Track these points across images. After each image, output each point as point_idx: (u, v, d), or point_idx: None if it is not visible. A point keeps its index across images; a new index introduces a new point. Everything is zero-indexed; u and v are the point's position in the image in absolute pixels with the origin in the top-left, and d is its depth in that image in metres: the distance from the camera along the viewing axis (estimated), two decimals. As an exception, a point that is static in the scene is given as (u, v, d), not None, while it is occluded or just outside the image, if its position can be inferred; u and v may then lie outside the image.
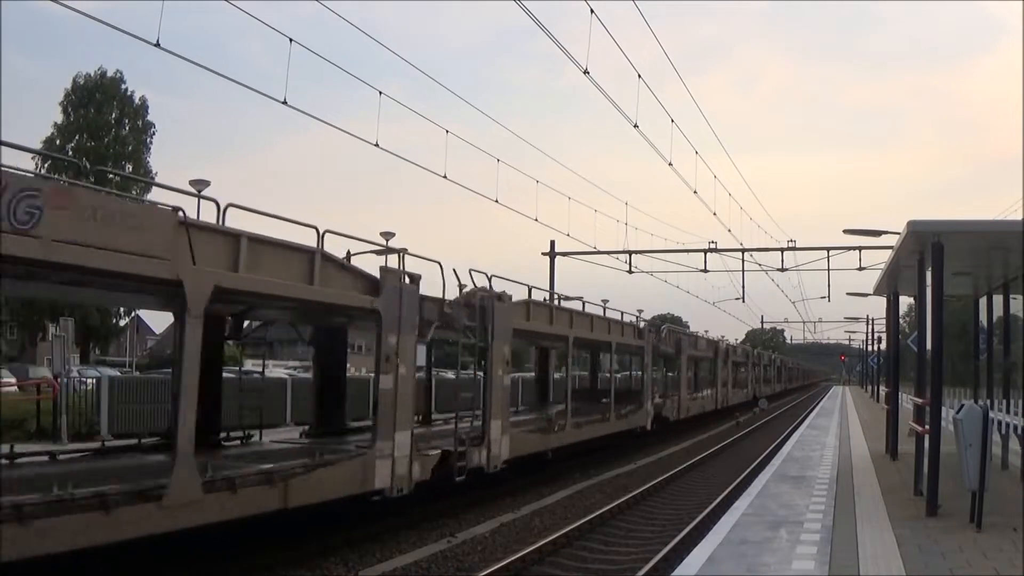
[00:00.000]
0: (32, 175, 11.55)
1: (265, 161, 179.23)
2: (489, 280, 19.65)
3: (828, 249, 39.16)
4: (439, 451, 16.82)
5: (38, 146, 50.97)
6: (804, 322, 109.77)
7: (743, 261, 41.53)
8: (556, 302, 27.00)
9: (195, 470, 11.04)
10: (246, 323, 16.38)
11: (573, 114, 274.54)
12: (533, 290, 23.69)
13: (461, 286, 18.58)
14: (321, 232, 13.91)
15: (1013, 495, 11.79)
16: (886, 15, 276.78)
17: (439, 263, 17.56)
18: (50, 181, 12.33)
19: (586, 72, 18.90)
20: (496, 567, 12.74)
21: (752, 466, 24.66)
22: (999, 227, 12.74)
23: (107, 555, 10.01)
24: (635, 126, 22.89)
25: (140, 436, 16.22)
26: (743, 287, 44.36)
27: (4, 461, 12.45)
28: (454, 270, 18.42)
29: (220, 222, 12.30)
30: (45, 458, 13.33)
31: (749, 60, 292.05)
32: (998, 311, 16.53)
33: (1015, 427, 15.06)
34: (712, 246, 40.31)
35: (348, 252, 15.68)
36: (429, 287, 16.98)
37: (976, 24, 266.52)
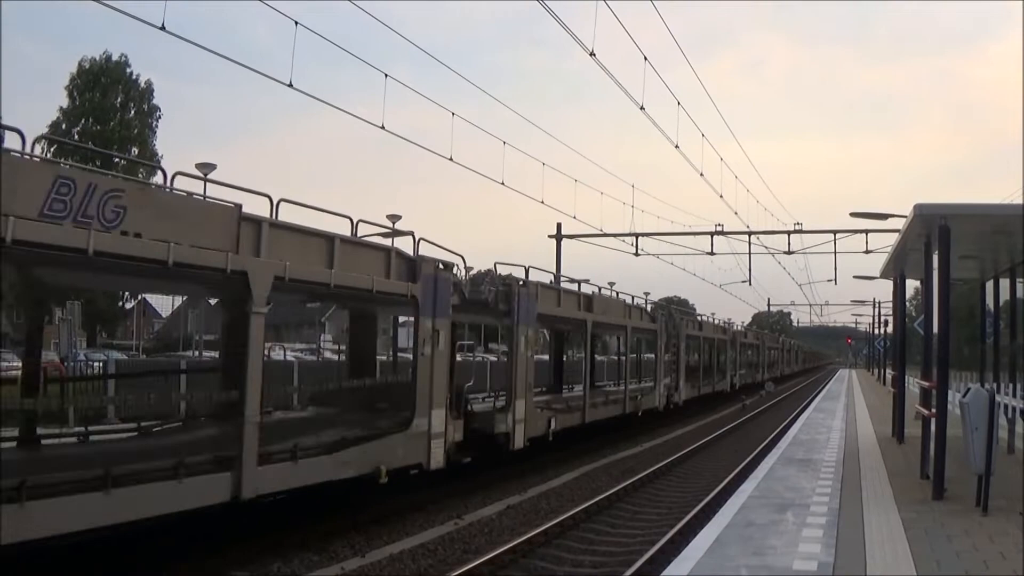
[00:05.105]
0: (115, 176, 12.46)
1: (271, 144, 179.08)
2: (526, 271, 20.98)
3: (835, 232, 39.09)
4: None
5: (44, 130, 51.14)
6: (811, 305, 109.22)
7: (750, 244, 41.49)
8: (577, 287, 27.45)
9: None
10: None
11: (580, 97, 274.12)
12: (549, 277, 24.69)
13: (490, 271, 19.60)
14: (355, 221, 14.76)
15: (1020, 479, 11.79)
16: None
17: (462, 256, 18.19)
18: (131, 182, 13.03)
19: (592, 55, 18.85)
20: (503, 549, 12.81)
21: (758, 449, 24.66)
22: (1006, 211, 12.68)
23: (115, 539, 10.09)
24: (641, 108, 22.85)
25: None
26: (750, 270, 44.27)
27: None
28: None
29: (274, 215, 12.79)
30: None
31: (757, 44, 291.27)
32: (1005, 295, 16.51)
33: (1021, 411, 15.08)
34: (719, 229, 40.28)
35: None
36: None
37: (986, 8, 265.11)
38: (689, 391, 38.68)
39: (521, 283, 20.45)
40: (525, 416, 20.13)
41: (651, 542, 13.73)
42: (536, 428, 20.94)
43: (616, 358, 38.78)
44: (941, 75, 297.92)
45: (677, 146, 27.49)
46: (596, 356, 34.45)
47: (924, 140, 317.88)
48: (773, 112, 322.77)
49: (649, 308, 35.58)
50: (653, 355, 35.09)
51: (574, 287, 27.35)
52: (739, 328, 60.80)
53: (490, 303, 19.07)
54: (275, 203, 12.87)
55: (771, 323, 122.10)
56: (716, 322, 52.02)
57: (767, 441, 26.44)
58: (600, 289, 29.65)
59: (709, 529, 10.03)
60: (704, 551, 8.82)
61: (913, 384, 22.76)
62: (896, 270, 17.89)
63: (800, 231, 39.85)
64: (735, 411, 44.25)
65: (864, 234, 37.37)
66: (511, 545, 13.09)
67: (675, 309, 43.72)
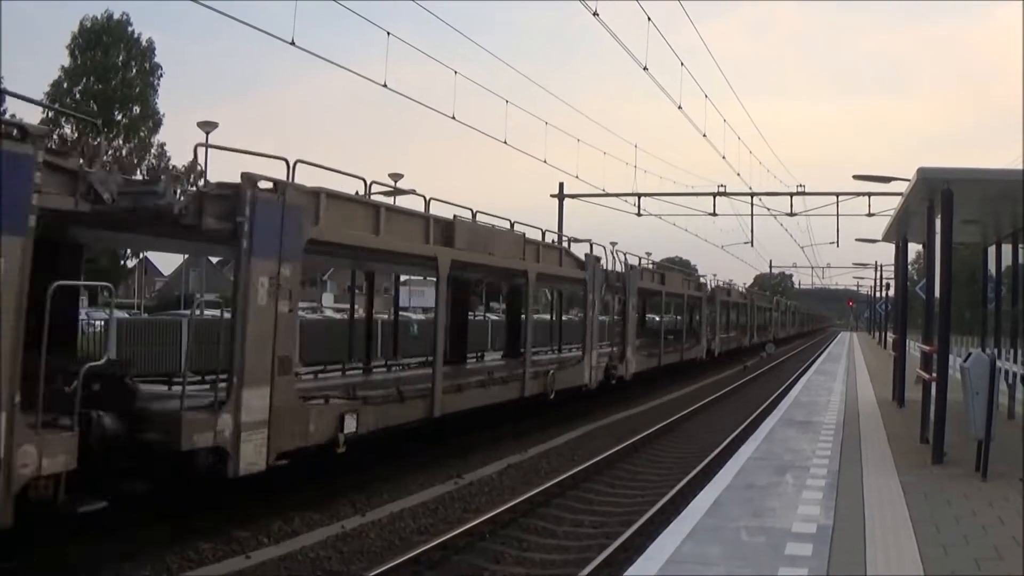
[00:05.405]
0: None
1: (273, 103, 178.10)
2: (288, 168, 12.37)
3: (837, 195, 38.83)
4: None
5: (46, 89, 51.23)
6: (812, 267, 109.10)
7: (752, 205, 41.23)
8: (424, 205, 16.83)
9: None
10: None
11: (583, 56, 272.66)
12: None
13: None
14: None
15: (1020, 445, 11.82)
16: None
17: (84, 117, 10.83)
18: None
19: (596, 15, 18.74)
20: (503, 508, 12.90)
21: (759, 411, 24.74)
22: (1010, 176, 12.61)
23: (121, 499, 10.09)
24: (644, 68, 22.73)
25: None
26: (752, 231, 44.01)
27: None
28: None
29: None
30: None
31: (761, 5, 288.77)
32: (1007, 260, 16.47)
33: (1022, 376, 15.09)
34: (721, 190, 40.06)
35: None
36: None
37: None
38: (643, 362, 30.66)
39: (266, 188, 11.59)
40: (271, 415, 11.57)
41: (651, 503, 13.81)
42: (302, 435, 12.38)
43: (574, 318, 32.44)
44: (946, 40, 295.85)
45: (680, 107, 27.34)
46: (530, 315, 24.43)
47: (928, 105, 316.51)
48: (777, 74, 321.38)
49: (583, 254, 25.06)
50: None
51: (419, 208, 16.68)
52: (735, 286, 58.57)
53: (182, 214, 10.65)
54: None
55: (773, 284, 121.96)
56: (695, 276, 49.82)
57: (768, 403, 26.43)
58: (569, 243, 24.61)
59: (709, 490, 10.08)
60: (704, 512, 8.87)
61: (914, 348, 22.78)
62: (898, 234, 17.84)
63: (803, 193, 39.61)
64: (736, 372, 44.45)
65: (867, 197, 37.17)
66: (511, 504, 13.18)
67: (623, 253, 30.57)
